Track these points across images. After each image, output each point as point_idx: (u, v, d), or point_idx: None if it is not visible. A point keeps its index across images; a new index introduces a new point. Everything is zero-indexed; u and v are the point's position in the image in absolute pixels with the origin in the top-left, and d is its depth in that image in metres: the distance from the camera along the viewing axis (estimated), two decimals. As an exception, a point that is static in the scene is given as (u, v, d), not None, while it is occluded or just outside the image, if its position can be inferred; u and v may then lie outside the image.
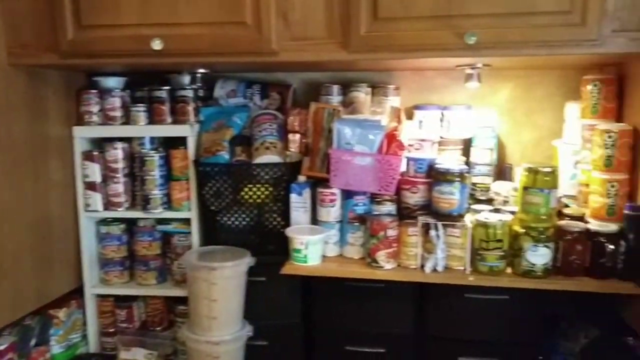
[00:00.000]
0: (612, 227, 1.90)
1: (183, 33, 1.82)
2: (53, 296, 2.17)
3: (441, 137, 2.27)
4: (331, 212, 2.09)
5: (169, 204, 2.27)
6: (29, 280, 2.02)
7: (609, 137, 1.92)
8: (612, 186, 1.94)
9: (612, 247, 1.87)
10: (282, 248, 2.10)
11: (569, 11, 1.65)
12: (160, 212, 2.26)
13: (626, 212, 1.89)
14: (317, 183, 2.15)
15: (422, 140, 2.15)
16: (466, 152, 2.28)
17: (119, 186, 2.28)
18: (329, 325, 2.14)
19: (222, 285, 1.99)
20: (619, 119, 2.06)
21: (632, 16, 1.66)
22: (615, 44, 1.67)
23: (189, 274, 2.05)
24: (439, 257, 1.93)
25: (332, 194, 2.08)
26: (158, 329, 2.36)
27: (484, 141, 2.27)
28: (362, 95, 2.31)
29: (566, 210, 2.05)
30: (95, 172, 2.27)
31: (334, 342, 2.13)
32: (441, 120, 2.30)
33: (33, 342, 2.06)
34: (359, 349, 2.10)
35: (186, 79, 2.27)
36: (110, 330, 2.36)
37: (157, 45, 1.81)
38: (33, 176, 2.06)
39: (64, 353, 2.23)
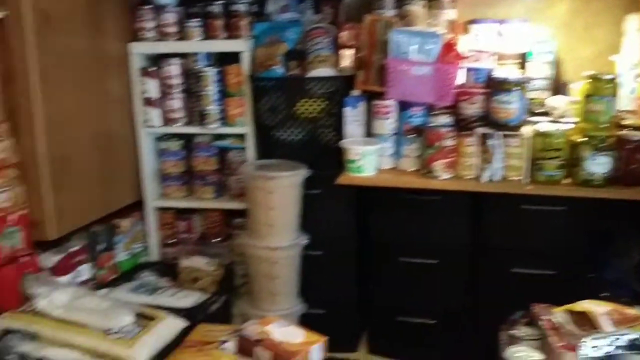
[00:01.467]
0: (674, 136, 1.87)
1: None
2: (116, 207, 2.27)
3: (498, 52, 2.23)
4: (386, 125, 2.10)
5: (224, 120, 2.32)
6: (94, 189, 2.11)
7: (677, 44, 1.86)
8: (676, 96, 1.90)
9: (673, 155, 1.85)
10: (336, 162, 2.14)
11: None
12: (216, 128, 2.31)
13: (690, 121, 1.85)
14: (372, 97, 2.16)
15: (480, 52, 2.12)
16: (523, 66, 2.24)
17: (175, 102, 2.33)
18: (383, 237, 2.18)
19: (279, 194, 2.04)
20: (686, 27, 1.98)
21: None
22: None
23: (247, 184, 2.11)
24: (496, 167, 1.94)
25: (388, 106, 2.09)
26: (216, 240, 2.45)
27: (541, 56, 2.23)
28: (417, 8, 2.27)
29: (625, 122, 2.01)
30: (152, 89, 2.32)
31: (388, 253, 2.18)
32: (498, 34, 2.25)
33: (100, 247, 2.18)
34: (412, 260, 2.14)
35: (239, -7, 2.27)
36: (171, 241, 2.47)
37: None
38: (93, 91, 2.12)
39: (128, 260, 2.35)
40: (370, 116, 2.15)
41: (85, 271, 2.05)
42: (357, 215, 2.22)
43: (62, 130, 1.91)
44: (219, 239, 2.46)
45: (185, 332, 1.76)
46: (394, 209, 2.13)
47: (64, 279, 1.93)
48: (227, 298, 2.22)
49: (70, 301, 1.69)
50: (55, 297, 1.67)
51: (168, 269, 2.33)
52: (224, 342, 1.59)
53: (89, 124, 2.08)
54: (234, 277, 2.36)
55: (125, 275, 2.25)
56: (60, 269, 1.92)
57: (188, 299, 2.04)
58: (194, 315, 1.88)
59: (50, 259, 1.90)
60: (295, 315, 2.15)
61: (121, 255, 2.30)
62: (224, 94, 2.30)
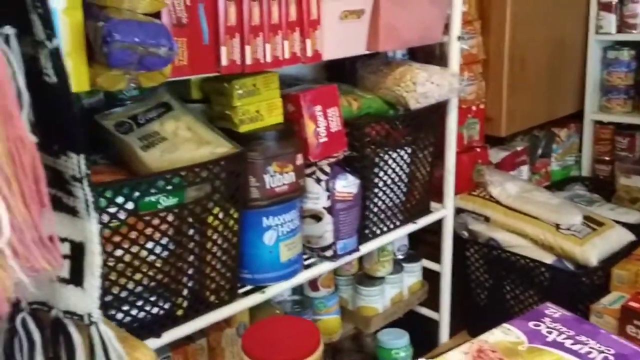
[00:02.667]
0: None
1: None
2: (556, 115, 2.24)
3: None
4: None
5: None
6: (541, 94, 2.12)
7: None
8: None
9: None
10: None
11: None
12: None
13: None
14: None
15: None
16: None
17: (637, 6, 2.12)
18: None
19: None
20: None
21: None
22: None
23: None
24: None
25: None
26: (660, 162, 2.22)
27: None
28: None
29: None
30: (614, -9, 2.16)
31: None
32: None
33: (539, 152, 2.21)
34: None
35: None
36: (606, 158, 2.34)
37: None
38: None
39: (560, 171, 2.33)
40: None
41: (524, 172, 2.11)
42: None
43: (522, 32, 1.94)
44: (665, 161, 2.21)
45: (631, 246, 1.68)
46: None
47: (506, 175, 2.04)
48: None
49: (520, 192, 1.78)
50: (508, 187, 1.78)
51: (600, 186, 2.23)
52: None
53: (543, 27, 2.07)
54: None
55: (556, 185, 2.25)
56: (504, 166, 2.03)
57: (630, 215, 1.92)
58: (638, 233, 1.76)
59: (497, 154, 2.02)
60: None
61: (554, 164, 2.30)
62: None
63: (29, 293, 0.57)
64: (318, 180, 1.33)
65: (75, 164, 0.54)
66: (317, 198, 1.34)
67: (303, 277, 1.34)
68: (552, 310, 0.88)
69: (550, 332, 0.82)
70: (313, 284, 1.58)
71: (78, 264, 0.58)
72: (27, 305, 0.60)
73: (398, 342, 1.48)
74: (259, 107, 1.21)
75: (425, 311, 1.82)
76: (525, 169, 2.12)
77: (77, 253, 0.58)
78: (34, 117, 0.52)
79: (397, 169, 1.49)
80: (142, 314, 1.05)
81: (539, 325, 0.83)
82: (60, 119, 0.53)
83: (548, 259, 1.61)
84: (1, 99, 0.44)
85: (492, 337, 0.82)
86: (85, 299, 0.58)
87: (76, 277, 0.58)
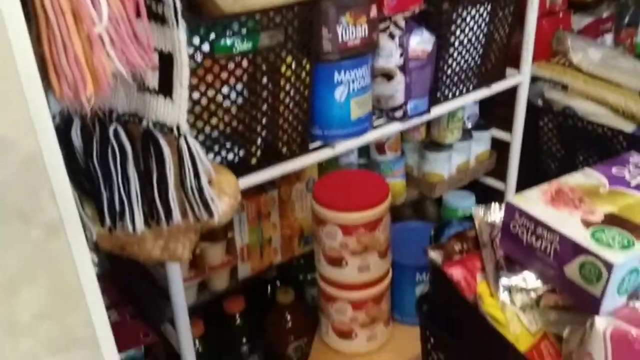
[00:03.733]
0: None
1: None
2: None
3: None
4: None
5: None
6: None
7: None
8: None
9: None
10: None
11: None
12: None
13: None
14: None
15: None
16: None
17: None
18: None
19: None
20: None
21: None
22: None
23: None
24: None
25: None
26: None
27: None
28: None
29: None
30: None
31: None
32: None
33: (626, 20, 2.04)
34: None
35: None
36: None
37: None
38: None
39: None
40: None
41: (607, 42, 1.97)
42: None
43: None
44: None
45: None
46: None
47: (588, 43, 1.91)
48: None
49: (603, 59, 1.67)
50: (590, 53, 1.68)
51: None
52: None
53: None
54: None
55: (641, 58, 2.10)
56: (586, 33, 1.89)
57: None
58: None
59: (580, 20, 1.88)
60: None
61: (641, 35, 2.13)
62: None
63: (121, 103, 0.58)
64: (391, 36, 1.28)
65: (164, -35, 0.53)
66: (389, 55, 1.30)
67: (372, 136, 1.33)
68: (638, 158, 0.84)
69: (634, 177, 0.79)
70: (380, 147, 1.58)
71: (167, 74, 0.59)
72: (119, 117, 0.63)
73: (464, 202, 1.49)
74: (333, -47, 1.15)
75: (491, 181, 1.81)
76: (609, 38, 1.97)
77: (165, 63, 0.59)
78: None
79: (475, 28, 1.41)
80: (218, 159, 1.09)
81: (622, 170, 0.81)
82: None
83: (628, 127, 1.53)
84: None
85: (573, 180, 0.80)
86: (174, 110, 0.60)
87: (165, 88, 0.60)
